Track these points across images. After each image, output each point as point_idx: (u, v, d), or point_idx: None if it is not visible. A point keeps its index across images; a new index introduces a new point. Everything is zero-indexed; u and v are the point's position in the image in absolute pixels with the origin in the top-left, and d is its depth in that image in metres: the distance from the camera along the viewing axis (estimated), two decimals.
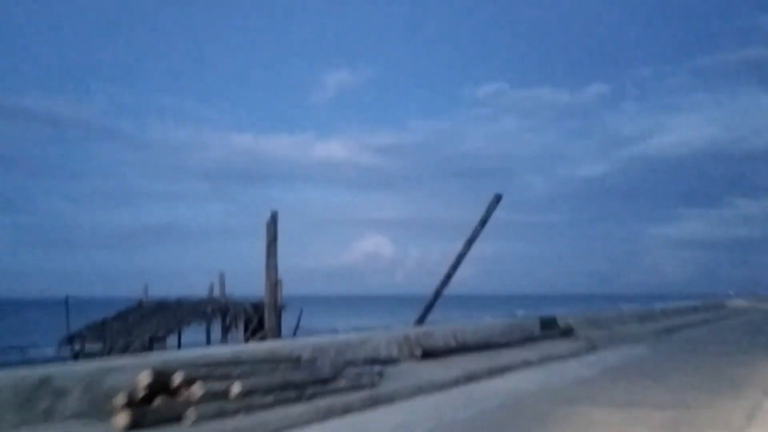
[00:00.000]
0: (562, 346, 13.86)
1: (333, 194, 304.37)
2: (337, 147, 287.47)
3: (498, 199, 13.51)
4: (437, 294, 12.57)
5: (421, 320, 12.56)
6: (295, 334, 18.40)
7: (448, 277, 12.58)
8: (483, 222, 13.29)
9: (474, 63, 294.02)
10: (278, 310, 15.50)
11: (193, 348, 12.90)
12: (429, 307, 12.50)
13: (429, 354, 10.50)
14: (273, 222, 14.00)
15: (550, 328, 16.63)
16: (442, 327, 12.12)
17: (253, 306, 19.70)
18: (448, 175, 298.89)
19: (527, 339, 14.32)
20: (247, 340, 18.03)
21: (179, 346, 18.57)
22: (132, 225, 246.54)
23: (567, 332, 17.49)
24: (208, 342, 18.84)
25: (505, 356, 11.60)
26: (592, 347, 14.25)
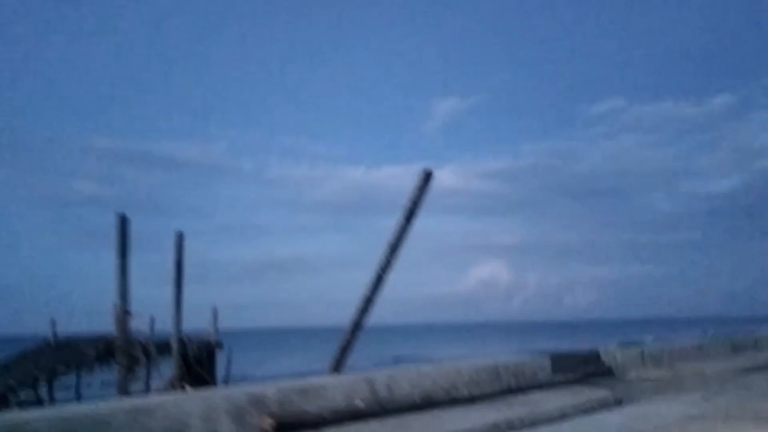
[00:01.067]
0: (567, 397, 9.59)
1: (447, 222, 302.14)
2: (449, 175, 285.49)
3: (428, 176, 9.45)
4: (356, 326, 8.81)
5: (337, 365, 8.88)
6: (227, 380, 15.15)
7: (368, 301, 8.80)
8: (409, 213, 9.26)
9: (587, 80, 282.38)
10: (209, 349, 12.28)
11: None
12: (346, 346, 8.77)
13: (292, 427, 6.89)
14: (178, 243, 10.97)
15: (574, 367, 12.26)
16: (355, 376, 8.40)
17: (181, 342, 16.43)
18: (564, 198, 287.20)
19: (521, 387, 10.18)
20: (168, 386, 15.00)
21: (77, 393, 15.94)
22: (257, 259, 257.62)
23: (604, 372, 13.03)
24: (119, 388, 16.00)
25: (435, 424, 7.68)
26: (619, 399, 9.83)
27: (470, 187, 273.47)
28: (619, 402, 9.63)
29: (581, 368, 12.50)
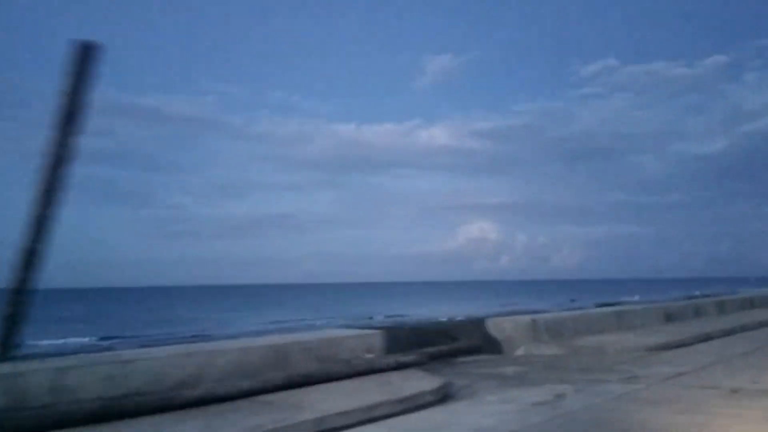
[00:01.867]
0: (375, 392, 6.82)
1: (438, 180, 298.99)
2: (442, 133, 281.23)
3: (86, 48, 6.12)
4: (20, 289, 5.89)
5: (5, 342, 6.01)
6: None
7: (30, 253, 5.82)
8: (70, 105, 6.03)
9: (580, 40, 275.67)
10: None
11: None
12: (14, 316, 5.87)
13: None
14: None
15: (432, 343, 9.50)
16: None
17: None
18: (555, 158, 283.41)
19: (320, 375, 7.40)
20: None
21: None
22: (247, 215, 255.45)
23: (483, 348, 10.35)
24: None
25: None
26: (444, 394, 7.05)
27: (462, 145, 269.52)
28: (442, 398, 6.86)
29: (444, 344, 9.75)
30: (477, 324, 11.23)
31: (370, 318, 54.37)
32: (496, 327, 11.07)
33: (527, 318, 11.17)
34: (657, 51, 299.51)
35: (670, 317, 14.40)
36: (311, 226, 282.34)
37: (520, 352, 10.67)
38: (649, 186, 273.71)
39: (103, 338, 40.22)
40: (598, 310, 13.87)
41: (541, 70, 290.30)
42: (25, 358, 6.35)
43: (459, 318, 25.00)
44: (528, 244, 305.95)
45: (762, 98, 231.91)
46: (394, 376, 7.67)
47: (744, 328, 13.74)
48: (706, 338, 12.18)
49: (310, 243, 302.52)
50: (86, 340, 40.05)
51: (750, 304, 19.08)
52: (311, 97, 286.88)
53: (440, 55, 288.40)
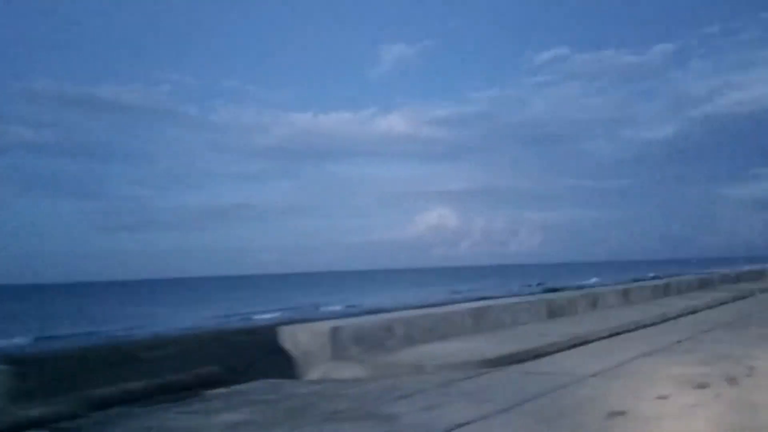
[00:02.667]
0: None
1: (396, 168, 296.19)
2: (398, 121, 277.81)
3: None
4: None
5: None
6: None
7: None
8: None
9: (532, 29, 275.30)
10: None
11: None
12: None
13: None
14: None
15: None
16: None
17: None
18: (511, 144, 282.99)
19: None
20: None
21: None
22: (203, 206, 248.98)
23: (281, 368, 7.43)
24: None
25: None
26: None
27: (419, 133, 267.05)
28: None
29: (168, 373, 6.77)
30: (267, 333, 8.31)
31: (317, 308, 51.91)
32: (291, 339, 8.17)
33: (326, 325, 8.21)
34: (606, 39, 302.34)
35: (554, 312, 11.71)
36: (270, 216, 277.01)
37: (315, 374, 7.78)
38: (603, 171, 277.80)
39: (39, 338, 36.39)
40: (455, 306, 11.04)
41: (496, 59, 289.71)
42: None
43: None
44: (487, 230, 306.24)
45: (707, 84, 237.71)
46: None
47: (637, 326, 11.11)
48: (582, 342, 9.48)
49: (268, 233, 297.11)
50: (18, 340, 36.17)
51: (663, 291, 16.62)
52: (267, 86, 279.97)
53: (395, 44, 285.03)
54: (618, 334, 10.64)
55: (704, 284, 20.93)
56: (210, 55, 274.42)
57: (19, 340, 36.07)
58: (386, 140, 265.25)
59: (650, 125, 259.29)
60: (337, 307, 51.96)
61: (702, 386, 6.21)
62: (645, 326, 11.58)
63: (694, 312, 13.90)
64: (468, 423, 5.00)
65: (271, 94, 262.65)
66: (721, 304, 15.90)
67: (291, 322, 9.60)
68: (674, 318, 12.86)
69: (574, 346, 9.23)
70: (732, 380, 6.48)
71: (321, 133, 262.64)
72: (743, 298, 18.01)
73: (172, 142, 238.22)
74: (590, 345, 9.51)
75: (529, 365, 7.77)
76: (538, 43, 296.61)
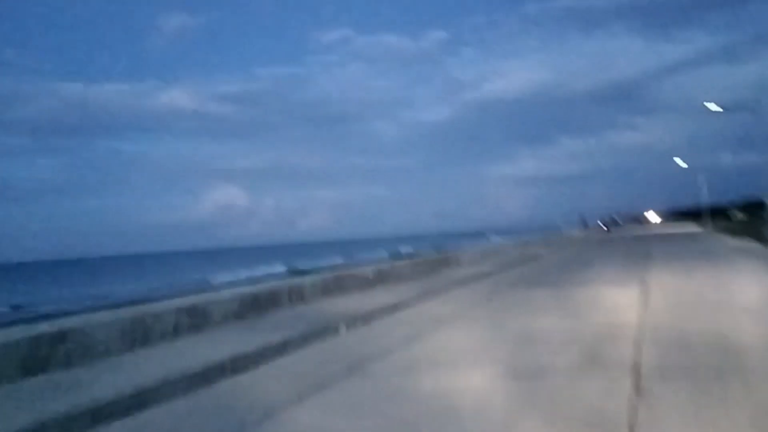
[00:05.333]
0: None
1: (180, 145, 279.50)
2: (181, 95, 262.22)
3: None
4: None
5: None
6: None
7: None
8: None
9: (317, 8, 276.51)
10: None
11: None
12: None
13: None
14: None
15: None
16: None
17: None
18: (298, 122, 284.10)
19: None
20: None
21: None
22: None
23: None
24: None
25: None
26: None
27: (205, 109, 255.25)
28: None
29: None
30: None
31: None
32: None
33: None
34: (387, 24, 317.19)
35: (240, 315, 9.85)
36: (31, 196, 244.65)
37: None
38: (384, 150, 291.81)
39: None
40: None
41: (282, 36, 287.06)
42: None
43: None
44: (276, 208, 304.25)
45: (476, 71, 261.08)
46: None
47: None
48: None
49: (31, 215, 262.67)
50: None
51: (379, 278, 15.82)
52: (29, 53, 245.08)
53: (177, 14, 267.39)
54: None
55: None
56: None
57: None
58: (168, 115, 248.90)
59: (427, 108, 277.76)
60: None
61: None
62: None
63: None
64: None
65: (33, 61, 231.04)
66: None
67: None
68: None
69: None
70: None
71: (93, 106, 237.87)
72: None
73: None
74: None
75: None
76: (324, 22, 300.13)
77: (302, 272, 30.26)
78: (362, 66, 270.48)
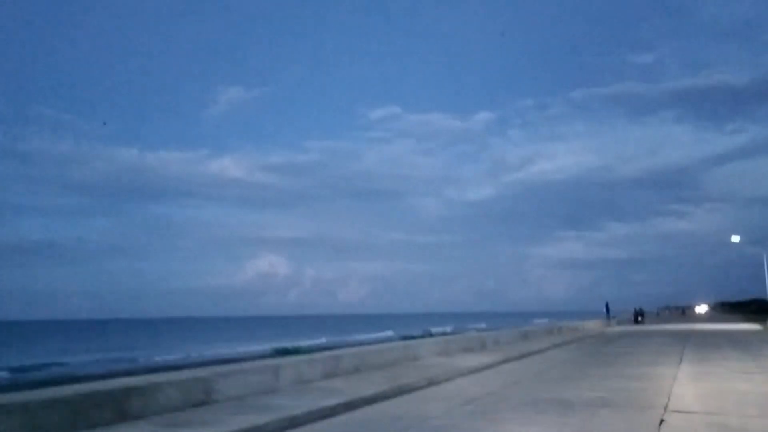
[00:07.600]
0: None
1: (227, 212, 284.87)
2: (231, 164, 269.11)
3: None
4: None
5: None
6: None
7: None
8: None
9: (366, 86, 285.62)
10: None
11: None
12: None
13: None
14: None
15: None
16: None
17: None
18: (343, 196, 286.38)
19: None
20: None
21: None
22: (10, 241, 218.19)
23: None
24: None
25: None
26: None
27: (252, 178, 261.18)
28: None
29: None
30: None
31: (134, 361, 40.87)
32: None
33: None
34: (434, 103, 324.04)
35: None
36: (83, 257, 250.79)
37: None
38: (427, 227, 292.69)
39: None
40: None
41: (332, 111, 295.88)
42: None
43: None
44: (316, 279, 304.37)
45: (521, 152, 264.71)
46: None
47: None
48: None
49: (81, 275, 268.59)
50: None
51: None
52: (87, 118, 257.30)
53: (232, 86, 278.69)
54: None
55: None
56: (20, 80, 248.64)
57: None
58: (218, 183, 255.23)
59: (472, 186, 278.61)
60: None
61: None
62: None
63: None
64: None
65: (92, 125, 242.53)
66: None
67: None
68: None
69: None
70: None
71: (147, 171, 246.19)
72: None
73: None
74: None
75: None
76: (372, 99, 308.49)
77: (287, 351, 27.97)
78: (409, 143, 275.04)
